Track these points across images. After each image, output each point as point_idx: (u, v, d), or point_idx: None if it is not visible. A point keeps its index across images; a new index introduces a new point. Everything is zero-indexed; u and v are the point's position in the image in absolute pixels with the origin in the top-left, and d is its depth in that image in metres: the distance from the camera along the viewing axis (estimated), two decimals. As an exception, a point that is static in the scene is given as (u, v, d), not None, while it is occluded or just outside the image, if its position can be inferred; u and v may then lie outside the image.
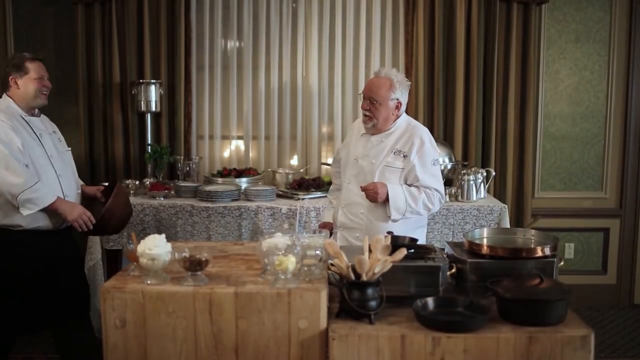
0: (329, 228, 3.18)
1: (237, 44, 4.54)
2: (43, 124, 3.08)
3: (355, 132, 3.10)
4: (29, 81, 2.95)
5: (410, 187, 2.90)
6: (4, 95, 3.01)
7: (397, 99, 2.89)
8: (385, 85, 2.86)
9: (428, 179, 2.89)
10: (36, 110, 3.06)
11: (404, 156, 2.90)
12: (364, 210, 2.96)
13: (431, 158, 2.92)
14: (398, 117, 2.96)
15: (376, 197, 2.82)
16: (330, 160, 4.06)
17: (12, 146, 2.78)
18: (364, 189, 2.85)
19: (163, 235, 2.03)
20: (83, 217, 2.91)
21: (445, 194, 3.89)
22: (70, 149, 3.24)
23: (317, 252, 2.04)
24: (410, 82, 3.04)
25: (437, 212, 3.77)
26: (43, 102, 3.03)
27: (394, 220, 2.88)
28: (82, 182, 3.28)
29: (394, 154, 2.92)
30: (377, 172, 2.92)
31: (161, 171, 4.28)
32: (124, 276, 2.06)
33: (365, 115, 2.91)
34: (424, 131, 2.98)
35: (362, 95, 2.95)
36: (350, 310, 1.90)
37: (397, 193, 2.85)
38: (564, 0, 4.53)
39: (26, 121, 2.96)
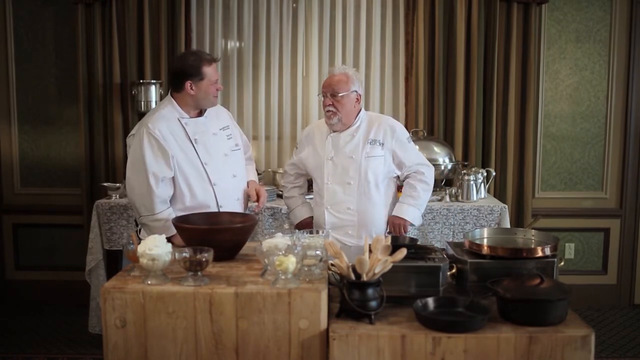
0: (309, 225, 3.20)
1: (237, 44, 4.54)
2: (206, 124, 2.90)
3: (317, 135, 3.16)
4: (205, 87, 2.82)
5: (406, 194, 3.12)
6: (168, 96, 2.90)
7: (357, 91, 3.05)
8: (343, 79, 3.02)
9: (411, 157, 3.10)
10: (204, 110, 2.92)
11: (380, 144, 3.04)
12: (352, 206, 3.05)
13: (405, 137, 3.10)
14: (359, 111, 3.10)
15: (402, 232, 3.09)
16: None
17: (153, 162, 2.72)
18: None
19: (163, 236, 2.03)
20: None
21: (446, 193, 3.93)
22: (238, 147, 3.03)
23: (318, 252, 2.04)
24: (360, 76, 3.22)
25: (437, 212, 3.79)
26: (215, 104, 2.93)
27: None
28: (252, 179, 3.09)
29: (370, 144, 3.04)
30: (361, 165, 3.01)
31: (161, 171, 4.28)
32: (125, 276, 2.05)
33: (328, 112, 3.02)
34: (388, 117, 3.17)
35: (321, 94, 3.08)
36: (350, 310, 1.90)
37: (409, 212, 3.10)
38: (564, 0, 4.53)
39: (182, 125, 2.83)
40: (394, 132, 3.06)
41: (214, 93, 2.87)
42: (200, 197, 2.82)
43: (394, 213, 3.13)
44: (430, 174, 3.13)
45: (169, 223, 2.63)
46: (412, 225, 3.15)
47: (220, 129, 2.96)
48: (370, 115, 3.17)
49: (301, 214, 3.26)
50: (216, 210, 2.84)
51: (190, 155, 2.81)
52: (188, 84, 2.80)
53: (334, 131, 3.09)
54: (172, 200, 2.82)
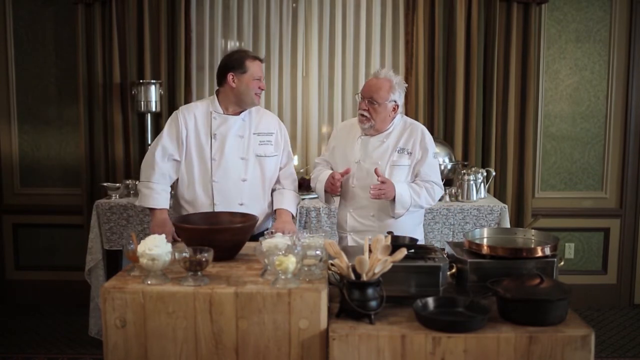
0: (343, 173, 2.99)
1: (237, 44, 4.54)
2: (237, 124, 2.94)
3: (348, 135, 3.08)
4: (247, 80, 2.88)
5: (411, 184, 2.96)
6: (214, 94, 3.00)
7: (395, 101, 2.93)
8: (385, 87, 2.89)
9: (428, 171, 2.96)
10: (243, 110, 2.96)
11: (408, 153, 2.96)
12: (374, 212, 2.97)
13: (431, 151, 2.99)
14: (394, 118, 2.99)
15: (381, 196, 2.82)
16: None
17: (167, 138, 2.92)
18: (375, 187, 2.81)
19: (163, 236, 2.03)
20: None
21: (445, 193, 3.93)
22: (274, 155, 2.99)
23: (318, 252, 2.04)
24: (407, 85, 3.05)
25: (437, 212, 3.79)
26: (256, 103, 2.96)
27: (398, 216, 2.90)
28: (284, 209, 2.96)
29: (398, 152, 2.95)
30: (385, 172, 2.92)
31: (161, 171, 4.28)
32: (124, 276, 2.05)
33: (362, 116, 2.93)
34: (422, 126, 3.04)
35: (359, 95, 2.97)
36: (350, 310, 1.90)
37: (403, 189, 2.88)
38: (564, 0, 4.53)
39: (211, 119, 2.92)
40: (422, 141, 2.95)
41: (256, 90, 2.90)
42: (198, 189, 2.92)
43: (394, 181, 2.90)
44: (438, 192, 2.97)
45: (156, 195, 2.87)
46: (391, 200, 2.85)
47: (255, 133, 2.97)
48: (405, 121, 3.04)
49: (325, 175, 3.02)
50: (211, 206, 2.91)
51: (204, 148, 2.92)
52: (230, 76, 2.88)
53: (365, 135, 3.00)
54: (175, 185, 3.00)
